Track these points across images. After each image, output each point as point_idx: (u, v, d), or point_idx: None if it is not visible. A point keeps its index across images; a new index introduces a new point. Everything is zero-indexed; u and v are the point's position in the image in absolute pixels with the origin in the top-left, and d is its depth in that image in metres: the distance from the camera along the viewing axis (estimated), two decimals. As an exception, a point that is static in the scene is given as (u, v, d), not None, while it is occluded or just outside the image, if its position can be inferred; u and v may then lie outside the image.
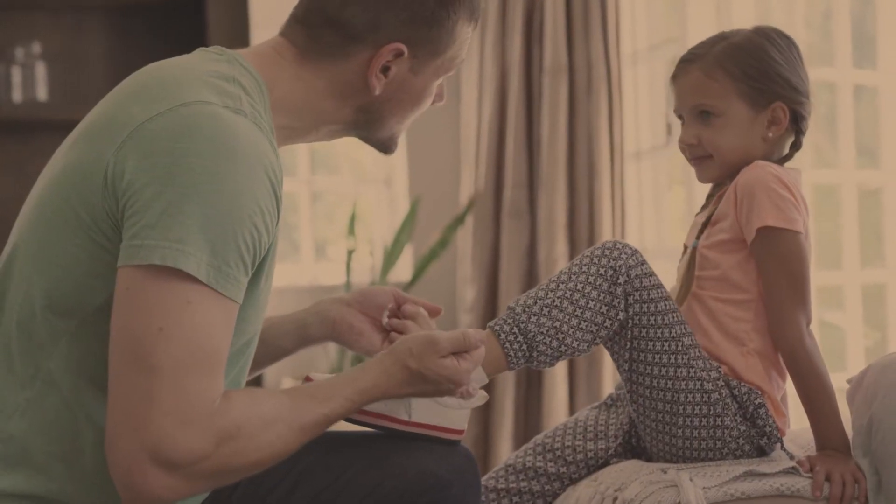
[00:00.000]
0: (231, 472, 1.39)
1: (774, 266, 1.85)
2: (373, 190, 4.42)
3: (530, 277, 3.95)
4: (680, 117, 1.97)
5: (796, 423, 1.97)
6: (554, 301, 1.77)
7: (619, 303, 1.78)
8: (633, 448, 1.95)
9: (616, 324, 1.79)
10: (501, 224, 4.00)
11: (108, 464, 1.35)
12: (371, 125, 1.63)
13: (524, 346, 1.76)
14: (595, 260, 1.79)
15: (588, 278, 1.78)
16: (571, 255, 3.84)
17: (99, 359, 1.41)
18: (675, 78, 1.97)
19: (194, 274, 1.34)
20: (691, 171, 2.02)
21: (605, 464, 1.94)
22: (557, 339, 1.76)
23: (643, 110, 3.91)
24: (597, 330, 1.78)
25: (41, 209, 1.47)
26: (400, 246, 4.05)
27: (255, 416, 1.39)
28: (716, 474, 1.78)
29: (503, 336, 1.76)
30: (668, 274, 1.92)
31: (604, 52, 3.76)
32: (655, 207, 3.92)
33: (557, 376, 3.77)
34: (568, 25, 3.84)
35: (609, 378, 3.71)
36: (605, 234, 3.74)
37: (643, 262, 1.80)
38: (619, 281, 1.77)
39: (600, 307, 1.77)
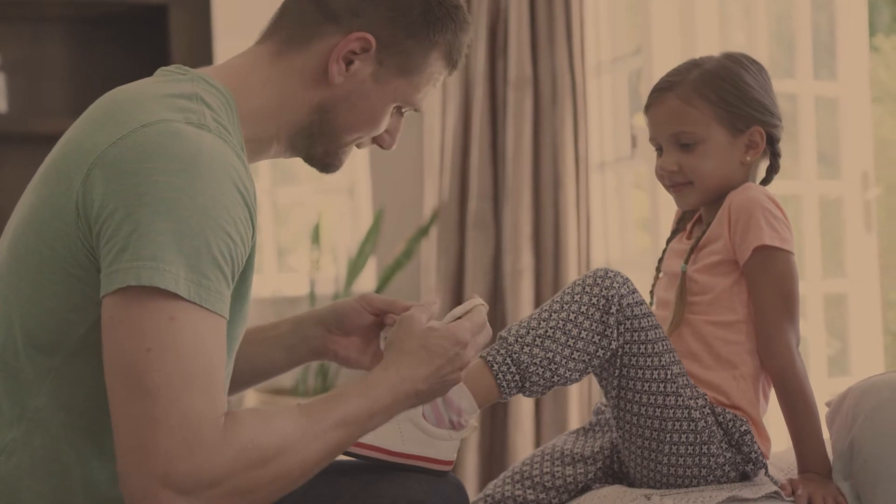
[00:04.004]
0: (250, 493, 1.34)
1: (768, 285, 1.86)
2: (336, 200, 4.40)
3: (495, 289, 3.95)
4: (658, 147, 1.97)
5: (776, 445, 1.98)
6: (547, 331, 1.77)
7: (611, 332, 1.78)
8: (614, 473, 1.96)
9: (608, 353, 1.79)
10: (466, 235, 4.00)
11: (125, 498, 1.32)
12: (322, 130, 1.59)
13: (517, 377, 1.76)
14: (587, 289, 1.79)
15: (580, 308, 1.78)
16: (537, 267, 3.84)
17: (87, 394, 1.40)
18: (650, 107, 1.97)
19: (173, 290, 1.32)
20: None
21: (586, 488, 1.94)
22: (550, 369, 1.76)
23: (607, 121, 3.92)
24: (589, 359, 1.78)
25: (15, 248, 1.45)
26: (364, 257, 4.04)
27: (267, 433, 1.35)
28: (699, 500, 1.78)
29: (496, 367, 1.75)
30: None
31: (568, 64, 3.76)
32: (621, 218, 3.93)
33: (523, 405, 3.76)
34: (532, 37, 3.84)
35: (575, 407, 3.70)
36: (571, 245, 3.75)
37: (634, 291, 1.80)
38: (611, 311, 1.77)
39: (592, 337, 1.77)
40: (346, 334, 1.76)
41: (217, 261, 1.35)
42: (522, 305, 3.81)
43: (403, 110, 1.64)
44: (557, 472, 1.94)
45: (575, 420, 3.70)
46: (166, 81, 1.50)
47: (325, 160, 1.63)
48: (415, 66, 1.58)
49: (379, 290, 4.03)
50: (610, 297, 1.78)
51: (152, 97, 1.45)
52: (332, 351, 1.75)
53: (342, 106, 1.57)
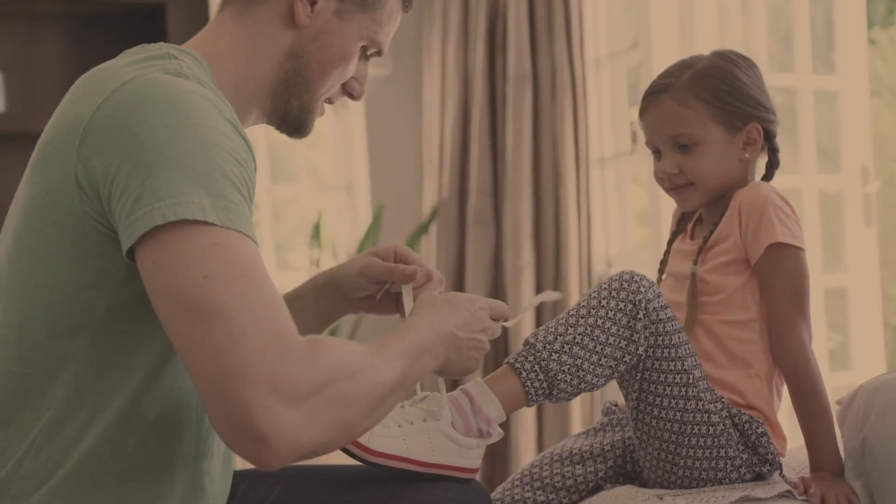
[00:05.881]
0: (346, 407, 1.32)
1: (780, 283, 1.86)
2: (335, 197, 4.40)
3: (496, 286, 3.95)
4: (656, 150, 1.96)
5: (788, 443, 1.98)
6: (575, 338, 1.75)
7: (638, 337, 1.77)
8: (626, 473, 1.95)
9: (635, 358, 1.78)
10: (466, 232, 4.00)
11: (225, 438, 1.28)
12: (297, 80, 1.60)
13: (545, 385, 1.74)
14: (613, 294, 1.78)
15: (608, 313, 1.76)
16: (538, 263, 3.84)
17: (114, 376, 1.40)
18: (645, 111, 1.96)
19: (202, 219, 1.30)
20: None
21: (597, 488, 1.94)
22: (578, 376, 1.75)
23: (606, 117, 3.92)
24: (615, 365, 1.77)
25: (19, 241, 1.44)
26: (363, 255, 4.02)
27: (347, 351, 1.35)
28: (712, 500, 1.78)
29: (524, 374, 1.74)
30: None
31: (568, 59, 3.76)
32: (621, 214, 3.93)
33: (526, 415, 3.75)
34: (531, 33, 3.84)
35: (577, 415, 3.70)
36: (572, 241, 3.74)
37: (659, 295, 1.79)
38: (638, 316, 1.76)
39: (619, 342, 1.76)
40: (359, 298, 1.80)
41: (234, 183, 1.35)
42: (524, 302, 3.80)
43: (369, 52, 1.66)
44: (567, 472, 1.93)
45: (577, 420, 3.69)
46: (133, 54, 1.51)
47: (301, 117, 1.63)
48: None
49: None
50: (637, 302, 1.76)
51: (124, 64, 1.46)
52: (357, 310, 1.80)
53: (312, 48, 1.59)
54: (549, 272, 3.80)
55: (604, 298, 1.77)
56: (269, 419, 1.25)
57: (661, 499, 1.79)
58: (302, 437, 1.27)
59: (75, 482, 1.41)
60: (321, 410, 1.29)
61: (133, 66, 1.45)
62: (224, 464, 1.54)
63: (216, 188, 1.32)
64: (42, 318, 1.41)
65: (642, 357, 1.79)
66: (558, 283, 3.79)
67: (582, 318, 1.77)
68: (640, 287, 1.77)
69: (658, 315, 1.77)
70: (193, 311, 1.28)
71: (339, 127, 4.34)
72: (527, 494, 1.92)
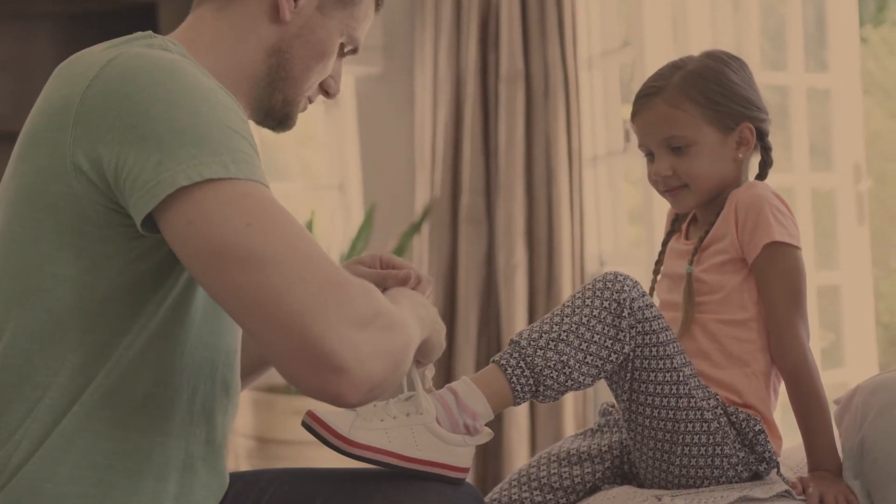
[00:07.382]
0: (393, 334, 1.34)
1: (778, 282, 1.86)
2: (327, 197, 4.39)
3: (489, 284, 3.94)
4: (649, 153, 1.96)
5: (784, 442, 1.98)
6: (560, 335, 1.75)
7: (624, 336, 1.77)
8: (624, 473, 1.95)
9: (621, 357, 1.78)
10: (459, 231, 3.99)
11: (300, 379, 1.28)
12: (281, 75, 1.60)
13: (531, 381, 1.74)
14: (598, 293, 1.78)
15: (593, 311, 1.76)
16: (530, 262, 3.84)
17: (113, 364, 1.39)
18: (637, 114, 1.96)
19: (226, 175, 1.31)
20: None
21: (594, 488, 1.93)
22: (564, 373, 1.74)
23: (599, 115, 3.92)
24: (602, 364, 1.77)
25: (7, 231, 1.43)
26: (356, 253, 4.02)
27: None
28: (710, 500, 1.77)
29: (510, 371, 1.73)
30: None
31: (560, 58, 3.76)
32: (613, 212, 3.93)
33: (519, 415, 3.75)
34: (524, 31, 3.83)
35: (570, 418, 3.69)
36: (565, 239, 3.74)
37: (644, 294, 1.79)
38: (623, 314, 1.76)
39: (605, 341, 1.76)
40: None
41: (244, 136, 1.36)
42: (516, 301, 3.80)
43: (346, 49, 1.66)
44: (565, 472, 1.93)
45: (570, 420, 3.69)
46: (110, 42, 1.50)
47: (285, 110, 1.63)
48: None
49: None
50: (622, 301, 1.76)
51: (103, 48, 1.45)
52: None
53: (296, 43, 1.59)
54: (542, 271, 3.80)
55: (588, 298, 1.77)
56: (347, 346, 1.27)
57: (660, 499, 1.79)
58: (373, 366, 1.29)
59: (57, 457, 1.40)
60: (382, 337, 1.32)
61: (113, 47, 1.44)
62: (220, 459, 1.54)
63: (231, 143, 1.33)
64: (39, 306, 1.40)
65: (630, 356, 1.79)
66: (551, 282, 3.79)
67: (567, 316, 1.77)
68: (623, 287, 1.77)
69: (644, 314, 1.78)
70: (243, 260, 1.28)
71: (332, 126, 4.34)
72: (524, 494, 1.92)
